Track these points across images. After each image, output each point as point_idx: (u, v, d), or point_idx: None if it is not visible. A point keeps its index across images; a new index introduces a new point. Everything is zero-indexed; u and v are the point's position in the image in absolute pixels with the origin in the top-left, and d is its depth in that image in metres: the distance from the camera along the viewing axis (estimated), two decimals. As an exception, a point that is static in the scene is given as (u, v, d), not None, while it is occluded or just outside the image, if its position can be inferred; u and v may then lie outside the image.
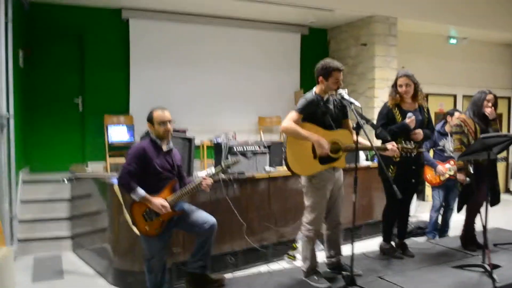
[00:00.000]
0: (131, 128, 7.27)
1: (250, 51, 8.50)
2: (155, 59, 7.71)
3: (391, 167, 4.33)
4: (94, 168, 7.09)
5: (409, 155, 4.02)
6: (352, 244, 3.72)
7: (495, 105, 4.70)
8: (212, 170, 3.98)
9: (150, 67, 7.67)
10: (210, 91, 8.13)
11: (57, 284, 4.74)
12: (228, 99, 8.27)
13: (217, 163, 5.48)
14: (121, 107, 7.55)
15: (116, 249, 4.64)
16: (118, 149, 7.22)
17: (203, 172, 5.14)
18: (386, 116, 4.40)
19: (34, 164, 7.04)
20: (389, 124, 4.35)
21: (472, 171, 4.64)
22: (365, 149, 3.95)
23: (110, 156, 7.07)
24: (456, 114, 5.81)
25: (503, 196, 9.95)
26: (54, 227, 5.93)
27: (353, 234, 3.76)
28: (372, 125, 3.97)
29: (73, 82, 7.41)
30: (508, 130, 10.99)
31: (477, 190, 4.63)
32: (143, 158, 3.61)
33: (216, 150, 5.52)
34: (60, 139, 7.27)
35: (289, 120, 3.74)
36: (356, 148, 3.67)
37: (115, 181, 4.48)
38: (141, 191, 3.55)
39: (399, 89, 4.41)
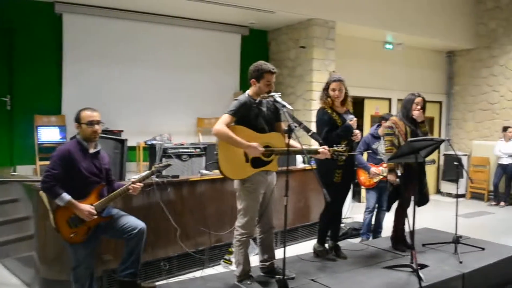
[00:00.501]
0: (63, 129, 6.96)
1: (189, 51, 8.37)
2: (90, 57, 7.41)
3: (337, 171, 4.37)
4: (23, 171, 6.75)
5: (339, 158, 4.07)
6: (284, 247, 3.71)
7: (423, 107, 4.84)
8: (142, 174, 3.88)
9: (84, 65, 7.36)
10: (148, 91, 7.93)
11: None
12: (166, 99, 8.11)
13: (151, 165, 5.37)
14: (53, 107, 7.20)
15: (43, 257, 4.40)
16: (49, 151, 6.84)
17: (136, 175, 5.01)
18: (329, 121, 4.41)
19: (-41, 166, 6.61)
20: (333, 129, 4.38)
21: (400, 173, 4.77)
22: (297, 152, 3.96)
23: (40, 158, 6.72)
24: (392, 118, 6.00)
25: (435, 197, 10.50)
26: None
27: (285, 237, 3.78)
28: (305, 128, 4.00)
29: (1, 79, 6.97)
30: (440, 133, 11.48)
31: (404, 192, 4.77)
32: (68, 160, 3.46)
33: (150, 152, 5.41)
34: (-14, 140, 6.86)
35: (221, 123, 3.69)
36: (287, 152, 3.67)
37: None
38: (66, 196, 3.39)
39: (332, 93, 4.47)
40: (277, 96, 3.80)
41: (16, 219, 5.17)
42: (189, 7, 7.48)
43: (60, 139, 6.89)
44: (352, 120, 4.41)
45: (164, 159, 5.05)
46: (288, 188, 3.53)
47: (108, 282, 4.40)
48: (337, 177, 4.38)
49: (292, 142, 3.72)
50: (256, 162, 3.74)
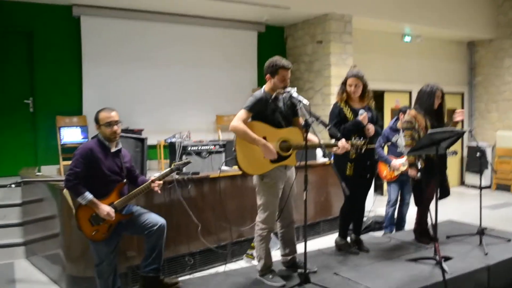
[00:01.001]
0: (85, 129, 7.09)
1: (206, 49, 8.41)
2: (108, 58, 7.52)
3: (348, 164, 4.36)
4: (48, 171, 6.88)
5: (359, 151, 4.06)
6: (305, 241, 3.72)
7: (442, 99, 4.78)
8: (162, 172, 3.92)
9: (103, 65, 7.47)
10: (166, 90, 8.01)
11: (9, 293, 4.55)
12: (185, 97, 8.17)
13: (172, 163, 5.42)
14: (74, 108, 7.34)
15: (68, 254, 4.49)
16: (71, 151, 6.97)
17: (157, 173, 5.06)
18: (339, 115, 4.43)
19: (-16, 168, 6.76)
20: (341, 122, 4.38)
21: (420, 166, 4.71)
22: (314, 147, 3.94)
23: (63, 158, 6.86)
24: (408, 111, 5.93)
25: (459, 189, 10.37)
26: (5, 233, 5.66)
27: (305, 231, 3.77)
28: (322, 122, 3.98)
29: (23, 82, 7.14)
30: (463, 125, 11.32)
31: (426, 185, 4.71)
32: (90, 159, 3.50)
33: (170, 150, 5.45)
34: (11, 142, 7.01)
35: (238, 119, 3.70)
36: (305, 146, 3.66)
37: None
38: (88, 195, 3.44)
39: (348, 89, 4.45)
40: (293, 91, 3.79)
41: (41, 218, 5.26)
42: (205, 6, 7.54)
43: (82, 139, 7.02)
44: (362, 115, 4.37)
45: (184, 157, 5.08)
46: (307, 182, 3.53)
47: (133, 278, 4.46)
48: (349, 171, 4.36)
49: (310, 136, 3.71)
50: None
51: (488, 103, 11.05)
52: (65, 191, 4.22)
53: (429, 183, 4.69)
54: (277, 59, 3.84)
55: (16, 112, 7.07)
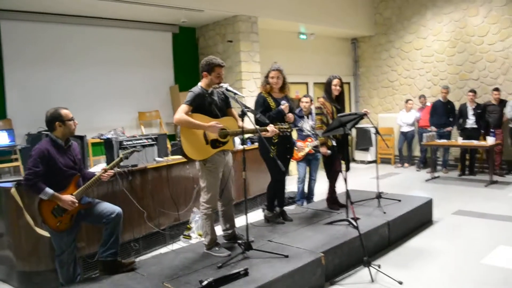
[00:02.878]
0: (11, 132, 6.71)
1: (125, 50, 8.32)
2: (31, 61, 7.17)
3: (272, 147, 4.73)
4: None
5: (285, 134, 4.43)
6: (246, 214, 4.04)
7: (341, 86, 5.33)
8: (105, 165, 3.97)
9: (26, 69, 7.11)
10: (90, 90, 7.80)
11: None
12: (107, 96, 8.03)
13: (109, 159, 5.40)
14: (-2, 112, 6.93)
15: (18, 252, 4.33)
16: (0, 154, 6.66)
17: (98, 166, 5.06)
18: (263, 104, 4.77)
19: None
20: (266, 110, 4.73)
21: (333, 144, 5.24)
22: (249, 132, 4.24)
23: (-8, 162, 6.48)
24: (304, 98, 6.50)
25: (351, 165, 11.24)
26: None
27: (246, 205, 4.09)
28: (252, 111, 4.30)
29: None
30: (350, 110, 12.25)
31: (336, 160, 5.26)
32: (47, 159, 3.50)
33: (107, 145, 5.42)
34: None
35: (181, 112, 3.87)
36: (242, 132, 3.97)
37: (9, 184, 4.25)
38: (49, 190, 3.45)
39: (271, 80, 4.81)
40: (227, 85, 4.06)
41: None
42: (122, 9, 7.44)
43: (9, 142, 6.65)
44: (284, 105, 4.78)
45: (120, 151, 5.10)
46: (245, 164, 3.84)
47: (84, 267, 4.45)
48: (273, 152, 4.72)
49: (245, 124, 4.01)
50: (215, 144, 3.99)
51: (370, 91, 12.05)
52: (13, 191, 4.13)
53: (337, 159, 5.25)
54: (213, 58, 4.07)
55: None
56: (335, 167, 5.34)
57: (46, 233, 3.87)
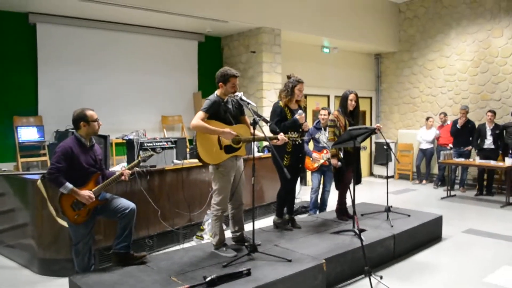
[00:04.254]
0: (41, 129, 7.09)
1: (153, 56, 8.63)
2: (62, 62, 7.54)
3: (286, 156, 4.91)
4: (5, 168, 6.82)
5: (296, 143, 4.60)
6: (253, 218, 4.23)
7: (357, 102, 5.45)
8: (125, 164, 4.23)
9: (58, 69, 7.48)
10: (116, 92, 8.14)
11: (-19, 278, 4.61)
12: (133, 99, 8.35)
13: (130, 158, 5.68)
14: (30, 109, 7.29)
15: (40, 241, 4.64)
16: (29, 149, 7.02)
17: (120, 165, 5.32)
18: (280, 114, 4.95)
19: None
20: (282, 120, 4.91)
21: (342, 157, 5.39)
22: (260, 139, 4.43)
23: (21, 156, 6.84)
24: (322, 111, 6.64)
25: (368, 179, 11.36)
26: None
27: (254, 208, 4.27)
28: (265, 120, 4.49)
29: (-19, 84, 7.02)
30: (371, 124, 12.32)
31: (345, 172, 5.39)
32: (70, 155, 3.77)
33: (128, 146, 5.70)
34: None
35: (198, 118, 4.10)
36: (253, 139, 4.17)
37: (36, 177, 4.55)
38: (69, 185, 3.71)
39: (297, 92, 4.94)
40: (241, 95, 4.28)
41: (5, 211, 5.30)
42: (153, 18, 7.76)
43: (39, 138, 7.03)
44: (300, 115, 4.95)
45: (141, 152, 5.37)
46: (255, 169, 4.03)
47: (100, 258, 4.73)
48: (286, 161, 4.90)
49: (257, 132, 4.22)
50: (228, 149, 4.21)
51: (391, 106, 12.09)
52: (39, 183, 4.44)
53: (347, 170, 5.39)
54: (228, 69, 4.30)
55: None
56: (344, 179, 5.47)
57: (66, 224, 4.15)
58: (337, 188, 5.63)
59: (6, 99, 7.12)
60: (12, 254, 5.18)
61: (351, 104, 5.40)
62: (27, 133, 6.98)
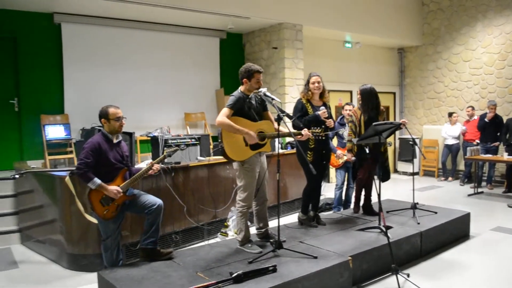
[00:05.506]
0: (67, 127, 7.22)
1: (175, 53, 8.70)
2: (87, 61, 7.66)
3: (309, 152, 4.90)
4: (33, 165, 6.99)
5: (318, 138, 4.58)
6: (278, 214, 4.23)
7: (365, 98, 5.35)
8: (150, 161, 4.28)
9: (83, 68, 7.62)
10: (140, 90, 8.23)
11: (14, 272, 4.73)
12: (157, 97, 8.43)
13: (155, 155, 5.74)
14: (57, 107, 7.45)
15: (68, 237, 4.74)
16: (56, 146, 7.16)
17: (145, 162, 5.38)
18: (301, 109, 4.95)
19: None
20: (303, 116, 4.91)
21: (368, 152, 5.35)
22: (285, 135, 4.43)
23: (48, 153, 6.98)
24: (346, 106, 6.60)
25: (393, 176, 11.20)
26: (0, 222, 5.81)
27: (279, 203, 4.27)
28: (288, 116, 4.48)
29: (8, 83, 7.18)
30: (395, 120, 12.17)
31: (358, 167, 5.45)
32: (98, 151, 3.84)
33: (153, 143, 5.77)
34: (-2, 140, 7.06)
35: (223, 115, 4.11)
36: (278, 135, 4.18)
37: (64, 173, 4.64)
38: (97, 180, 3.78)
39: (312, 86, 4.97)
40: (265, 91, 4.28)
41: (36, 207, 5.44)
42: (175, 15, 7.82)
43: (65, 135, 7.17)
44: (323, 110, 4.93)
45: (165, 148, 5.42)
46: (279, 166, 4.03)
47: (127, 254, 4.81)
48: (309, 157, 4.88)
49: (281, 128, 4.21)
50: (254, 145, 4.22)
51: (415, 101, 11.92)
52: (67, 179, 4.53)
53: (361, 166, 5.39)
54: (251, 65, 4.31)
55: (2, 112, 7.11)
56: (360, 174, 5.48)
57: (94, 220, 4.23)
58: (353, 180, 5.61)
59: (33, 98, 7.29)
60: (42, 249, 5.30)
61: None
62: (54, 131, 7.12)
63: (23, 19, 7.18)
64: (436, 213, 5.68)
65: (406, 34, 11.06)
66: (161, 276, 3.68)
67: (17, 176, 4.89)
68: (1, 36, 7.11)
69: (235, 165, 4.33)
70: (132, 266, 3.98)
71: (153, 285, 3.49)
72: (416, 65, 11.78)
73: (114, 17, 7.79)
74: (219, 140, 4.23)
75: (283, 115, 4.17)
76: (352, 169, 5.60)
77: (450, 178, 10.38)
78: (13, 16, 7.10)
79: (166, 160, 5.22)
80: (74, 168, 4.35)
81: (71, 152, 7.21)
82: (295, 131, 4.50)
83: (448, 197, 8.51)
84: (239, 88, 4.37)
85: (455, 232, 5.53)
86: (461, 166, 10.29)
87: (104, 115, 3.97)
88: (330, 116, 4.97)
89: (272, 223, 4.63)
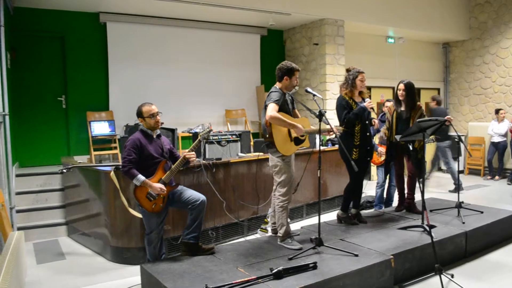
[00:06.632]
0: (112, 123, 7.45)
1: (216, 51, 8.79)
2: (131, 59, 7.87)
3: (354, 149, 4.86)
4: (79, 161, 7.24)
5: (367, 134, 4.57)
6: (319, 211, 4.21)
7: (411, 93, 5.32)
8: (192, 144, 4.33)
9: (127, 66, 7.83)
10: (182, 87, 8.37)
11: (61, 264, 4.93)
12: (198, 94, 8.54)
13: (196, 151, 5.80)
14: (102, 104, 7.69)
15: (113, 230, 4.88)
16: (101, 142, 7.40)
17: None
18: (347, 105, 4.89)
19: (23, 159, 7.06)
20: (349, 112, 4.87)
21: (411, 149, 5.22)
22: (325, 131, 4.41)
23: (94, 149, 7.23)
24: (387, 103, 6.46)
25: (436, 174, 10.88)
26: (48, 215, 6.06)
27: (320, 201, 4.25)
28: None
29: (57, 81, 7.46)
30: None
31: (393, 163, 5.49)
32: (139, 147, 3.94)
33: (194, 139, 5.85)
34: (46, 136, 7.34)
35: (273, 110, 4.11)
36: (319, 131, 4.17)
37: (109, 169, 4.78)
38: (141, 177, 3.87)
39: (359, 83, 4.89)
40: (307, 88, 4.28)
41: (82, 201, 5.64)
42: (217, 13, 7.90)
43: (110, 131, 7.39)
44: (367, 101, 4.89)
45: (207, 145, 5.49)
46: (320, 162, 4.01)
47: (168, 248, 4.90)
48: (355, 155, 4.84)
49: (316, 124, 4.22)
50: (296, 141, 4.26)
51: (461, 98, 11.54)
52: (112, 174, 4.66)
53: (393, 163, 5.48)
54: (291, 63, 4.32)
55: (51, 109, 7.40)
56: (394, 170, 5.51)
57: (138, 214, 4.34)
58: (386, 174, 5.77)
59: (80, 96, 7.56)
60: (87, 242, 5.49)
61: (400, 94, 5.34)
62: (99, 128, 7.35)
63: (70, 19, 7.45)
64: (482, 212, 5.48)
65: (451, 28, 10.71)
66: (202, 270, 3.73)
67: (64, 170, 5.08)
68: (50, 36, 7.40)
69: (275, 160, 4.32)
70: (174, 260, 4.05)
71: (194, 279, 3.54)
72: (461, 60, 11.39)
73: (157, 15, 7.95)
74: (267, 136, 4.23)
75: (324, 112, 4.15)
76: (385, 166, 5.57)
77: (496, 177, 9.98)
78: (61, 16, 7.37)
79: (207, 157, 5.30)
80: (118, 163, 4.46)
81: (115, 147, 7.43)
82: (327, 127, 4.45)
83: (494, 196, 8.19)
84: (276, 85, 4.38)
85: (502, 232, 5.31)
86: (509, 165, 9.89)
87: (139, 113, 4.07)
88: (369, 113, 4.92)
89: (313, 220, 4.60)
